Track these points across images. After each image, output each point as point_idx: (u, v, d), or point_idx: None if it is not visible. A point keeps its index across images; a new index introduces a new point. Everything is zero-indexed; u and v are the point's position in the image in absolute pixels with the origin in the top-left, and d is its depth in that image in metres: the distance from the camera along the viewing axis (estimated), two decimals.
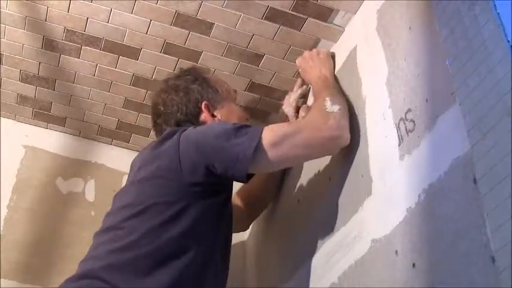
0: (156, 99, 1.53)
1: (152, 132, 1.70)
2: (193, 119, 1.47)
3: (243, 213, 1.70)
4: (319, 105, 1.39)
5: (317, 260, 1.44)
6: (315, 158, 1.45)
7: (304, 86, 1.69)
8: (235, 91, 1.63)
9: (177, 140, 1.32)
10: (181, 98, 1.48)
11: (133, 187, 1.35)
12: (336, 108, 1.36)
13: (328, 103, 1.37)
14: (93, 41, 1.66)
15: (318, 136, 1.33)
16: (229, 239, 1.42)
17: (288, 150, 1.31)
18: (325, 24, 1.58)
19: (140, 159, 1.41)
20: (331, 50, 1.64)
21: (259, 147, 1.28)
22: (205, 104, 1.48)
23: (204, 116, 1.47)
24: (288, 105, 1.68)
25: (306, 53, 1.60)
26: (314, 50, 1.61)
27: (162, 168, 1.31)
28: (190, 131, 1.35)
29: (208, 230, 1.31)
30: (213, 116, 1.48)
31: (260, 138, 1.29)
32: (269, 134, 1.31)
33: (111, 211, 1.36)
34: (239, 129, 1.31)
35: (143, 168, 1.35)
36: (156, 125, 1.52)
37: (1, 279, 1.65)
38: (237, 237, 1.84)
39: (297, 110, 1.66)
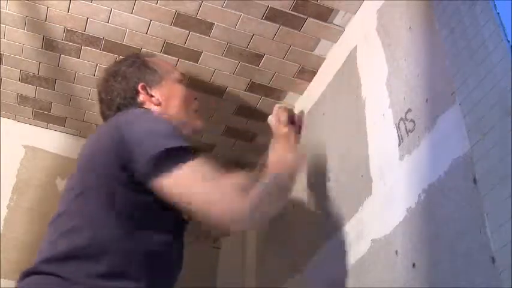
0: (98, 87, 1.53)
1: None
2: (132, 101, 1.46)
3: None
4: (262, 179, 1.24)
5: (317, 260, 1.44)
6: (197, 218, 1.27)
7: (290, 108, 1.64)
8: (182, 73, 1.56)
9: (110, 127, 1.30)
10: (119, 83, 1.48)
11: (76, 172, 1.34)
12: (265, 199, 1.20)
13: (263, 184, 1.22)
14: (93, 41, 1.66)
15: (219, 210, 1.17)
16: (174, 234, 1.30)
17: (185, 195, 1.19)
18: (325, 24, 1.58)
19: (84, 145, 1.41)
20: (331, 51, 1.64)
21: (167, 165, 1.17)
22: (141, 86, 1.47)
23: (142, 97, 1.46)
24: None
25: (276, 108, 1.61)
26: (281, 110, 1.59)
27: (97, 153, 1.30)
28: (121, 117, 1.32)
29: (148, 218, 1.25)
30: (152, 96, 1.46)
31: (180, 161, 1.18)
32: (188, 170, 1.18)
33: (60, 198, 1.33)
34: (172, 136, 1.22)
35: (84, 153, 1.35)
36: (102, 112, 1.52)
37: (1, 279, 1.65)
38: (237, 237, 1.84)
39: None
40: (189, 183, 1.18)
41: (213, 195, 1.17)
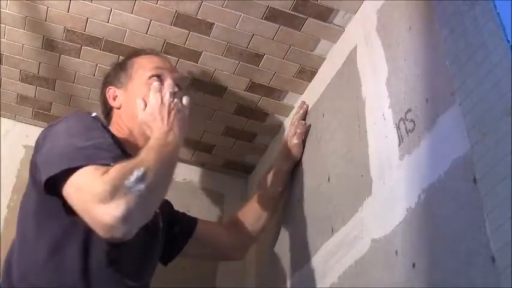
0: None
1: None
2: (107, 105, 1.45)
3: (235, 241, 1.64)
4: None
5: (317, 260, 1.44)
6: None
7: (305, 105, 1.71)
8: (159, 68, 1.43)
9: (37, 139, 1.28)
10: (101, 88, 1.51)
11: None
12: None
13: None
14: (93, 41, 1.66)
15: (89, 221, 1.06)
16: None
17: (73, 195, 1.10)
18: (325, 24, 1.58)
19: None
20: (331, 51, 1.64)
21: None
22: (108, 89, 1.46)
23: (110, 101, 1.44)
24: (290, 124, 1.71)
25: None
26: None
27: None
28: (45, 130, 1.28)
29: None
30: (114, 99, 1.44)
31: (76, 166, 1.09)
32: (71, 181, 1.09)
33: None
34: (66, 155, 1.13)
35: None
36: None
37: (1, 280, 1.65)
38: None
39: (296, 130, 1.68)
40: (71, 194, 1.10)
41: (81, 206, 1.08)
